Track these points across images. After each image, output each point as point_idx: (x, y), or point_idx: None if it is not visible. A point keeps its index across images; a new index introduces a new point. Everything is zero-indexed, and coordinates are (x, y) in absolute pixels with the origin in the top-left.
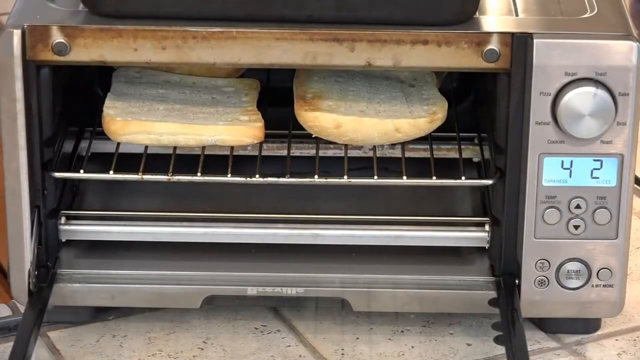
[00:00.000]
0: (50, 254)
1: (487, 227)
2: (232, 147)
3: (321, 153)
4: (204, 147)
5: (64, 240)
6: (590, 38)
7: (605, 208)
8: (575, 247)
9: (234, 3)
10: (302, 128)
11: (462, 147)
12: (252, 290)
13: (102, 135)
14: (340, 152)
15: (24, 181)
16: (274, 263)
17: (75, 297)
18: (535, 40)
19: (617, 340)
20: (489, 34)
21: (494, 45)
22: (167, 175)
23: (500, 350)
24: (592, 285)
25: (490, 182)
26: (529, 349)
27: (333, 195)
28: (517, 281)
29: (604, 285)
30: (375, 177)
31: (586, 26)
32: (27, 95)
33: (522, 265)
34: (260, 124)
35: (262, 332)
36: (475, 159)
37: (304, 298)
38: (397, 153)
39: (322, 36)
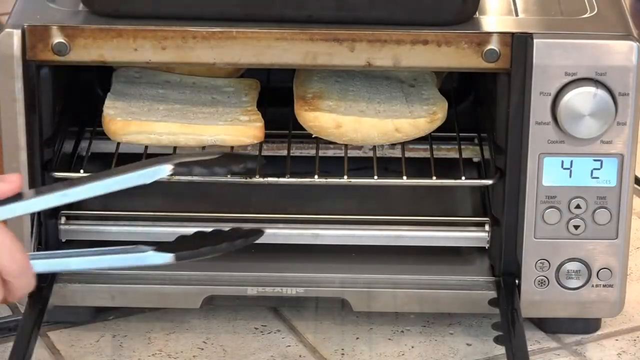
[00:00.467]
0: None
1: (487, 227)
2: (232, 147)
3: (321, 153)
4: (204, 147)
5: (64, 240)
6: (590, 38)
7: (605, 208)
8: (575, 247)
9: (234, 3)
10: (302, 128)
11: (462, 147)
12: (252, 290)
13: (102, 135)
14: (340, 152)
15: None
16: (274, 263)
17: (75, 297)
18: (535, 40)
19: (617, 340)
20: (489, 34)
21: (494, 45)
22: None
23: (500, 350)
24: (592, 285)
25: (490, 182)
26: (529, 349)
27: (333, 195)
28: (517, 281)
29: (604, 285)
30: (375, 177)
31: (586, 26)
32: (27, 95)
33: (522, 265)
34: (260, 124)
35: (262, 332)
36: (475, 159)
37: (304, 298)
38: (397, 153)
39: (322, 36)
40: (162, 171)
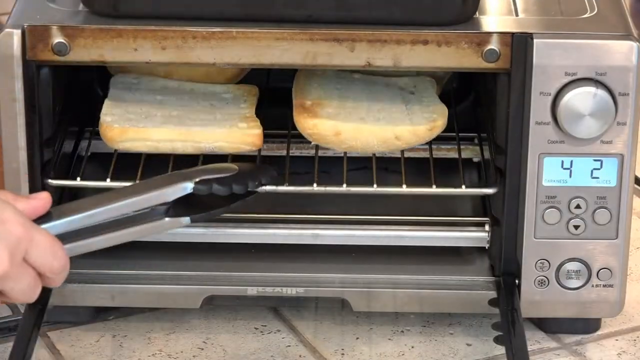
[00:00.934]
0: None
1: (487, 227)
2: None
3: (321, 153)
4: (202, 154)
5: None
6: (590, 38)
7: (605, 208)
8: (575, 247)
9: (234, 3)
10: None
11: (462, 147)
12: (252, 290)
13: None
14: (339, 152)
15: (23, 181)
16: (274, 263)
17: (75, 297)
18: (535, 40)
19: (617, 340)
20: (489, 34)
21: (494, 45)
22: None
23: (500, 350)
24: (592, 285)
25: (491, 191)
26: (529, 349)
27: (333, 195)
28: (517, 281)
29: (604, 285)
30: (375, 185)
31: (586, 26)
32: (27, 95)
33: (522, 265)
34: (258, 130)
35: (262, 332)
36: (475, 159)
37: (304, 298)
38: (397, 153)
39: (322, 36)
40: (184, 189)
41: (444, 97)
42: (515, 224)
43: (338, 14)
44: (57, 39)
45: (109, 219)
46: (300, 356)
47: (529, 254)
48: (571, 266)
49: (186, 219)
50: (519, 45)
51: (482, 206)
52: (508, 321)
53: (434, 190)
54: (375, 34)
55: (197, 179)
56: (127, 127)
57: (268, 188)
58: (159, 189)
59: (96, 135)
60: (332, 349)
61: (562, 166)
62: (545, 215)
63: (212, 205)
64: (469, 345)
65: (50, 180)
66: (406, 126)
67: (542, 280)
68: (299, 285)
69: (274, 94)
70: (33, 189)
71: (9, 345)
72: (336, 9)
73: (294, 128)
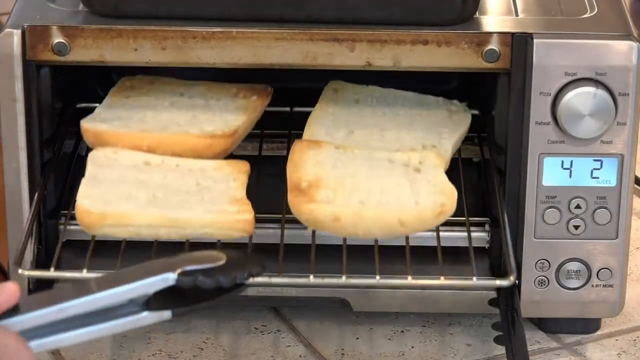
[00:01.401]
0: (50, 254)
1: (487, 227)
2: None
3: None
4: (188, 241)
5: (64, 240)
6: (590, 38)
7: (605, 208)
8: (575, 247)
9: (234, 3)
10: (302, 128)
11: (462, 147)
12: (252, 290)
13: None
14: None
15: (24, 181)
16: (274, 263)
17: None
18: (535, 40)
19: (617, 340)
20: (489, 34)
21: (494, 45)
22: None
23: (500, 350)
24: (592, 285)
25: (505, 283)
26: (529, 349)
27: None
28: (517, 281)
29: (604, 286)
30: (377, 277)
31: (586, 26)
32: (27, 95)
33: (522, 265)
34: (249, 215)
35: (262, 332)
36: (475, 159)
37: (304, 298)
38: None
39: (322, 36)
40: (165, 281)
41: (453, 184)
42: (516, 224)
43: (338, 14)
44: (57, 39)
45: (83, 312)
46: (300, 356)
47: (529, 254)
48: (571, 266)
49: (167, 314)
50: (519, 45)
51: (482, 206)
52: (508, 321)
53: (441, 282)
54: (375, 34)
55: (180, 270)
56: (106, 211)
57: (259, 280)
58: (139, 280)
59: (72, 219)
60: (332, 349)
61: (562, 166)
62: (545, 215)
63: (196, 297)
64: (468, 345)
65: (22, 271)
66: (411, 211)
67: (542, 280)
68: (299, 285)
69: (274, 94)
70: (33, 189)
71: None
72: (336, 9)
73: (295, 128)
